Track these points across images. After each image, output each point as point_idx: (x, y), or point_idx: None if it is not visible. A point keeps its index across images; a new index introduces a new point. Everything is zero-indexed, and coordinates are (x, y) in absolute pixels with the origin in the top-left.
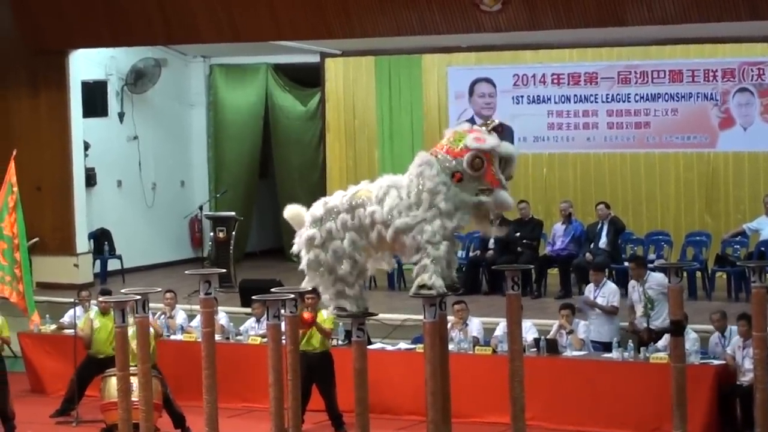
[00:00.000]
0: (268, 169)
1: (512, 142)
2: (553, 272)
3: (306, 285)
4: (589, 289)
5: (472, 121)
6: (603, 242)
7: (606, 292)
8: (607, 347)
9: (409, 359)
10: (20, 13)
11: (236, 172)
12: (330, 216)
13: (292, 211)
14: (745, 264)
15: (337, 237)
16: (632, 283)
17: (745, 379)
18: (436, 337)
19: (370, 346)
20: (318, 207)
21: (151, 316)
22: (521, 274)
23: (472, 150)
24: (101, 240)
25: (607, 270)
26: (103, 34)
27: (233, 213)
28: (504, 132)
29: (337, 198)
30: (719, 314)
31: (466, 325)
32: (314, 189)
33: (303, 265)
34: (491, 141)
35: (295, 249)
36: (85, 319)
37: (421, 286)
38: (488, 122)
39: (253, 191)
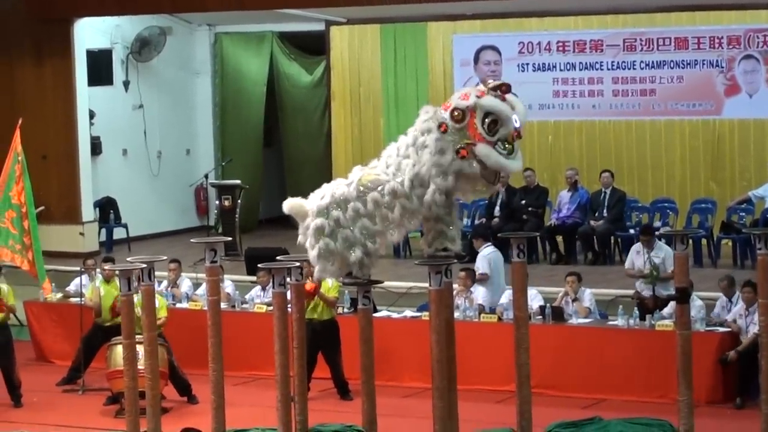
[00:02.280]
0: (274, 138)
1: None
2: (559, 240)
3: (318, 275)
4: (637, 249)
5: None
6: (605, 211)
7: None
8: None
9: (414, 327)
10: None
11: (242, 141)
12: (337, 205)
13: (292, 204)
14: (751, 231)
15: (345, 225)
16: (636, 247)
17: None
18: (441, 305)
19: (375, 314)
20: (322, 197)
21: (156, 285)
22: (527, 241)
23: (453, 105)
24: (107, 208)
25: (612, 237)
26: (108, 2)
27: (239, 181)
28: (509, 91)
29: (341, 186)
30: (727, 281)
31: (472, 292)
32: (320, 157)
33: (313, 256)
34: (473, 99)
35: (300, 240)
36: (92, 287)
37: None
38: (488, 82)
39: (259, 160)
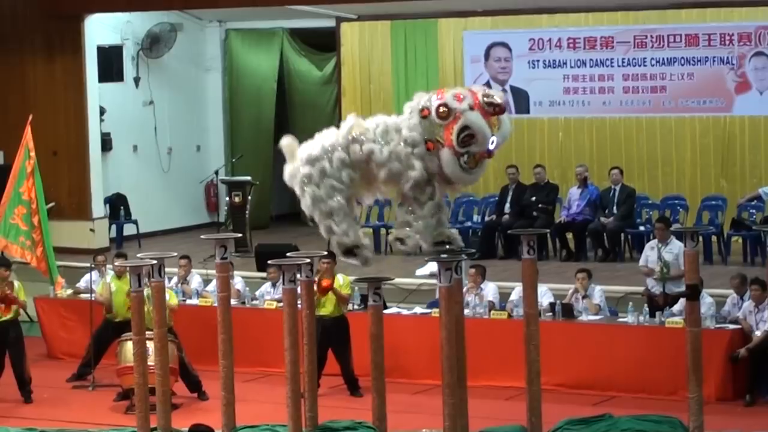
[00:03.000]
0: (284, 134)
1: (528, 107)
2: (569, 237)
3: (323, 231)
4: (652, 245)
5: (488, 85)
6: (615, 208)
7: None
8: None
9: (424, 324)
10: None
11: (252, 137)
12: (325, 154)
13: (289, 143)
14: (761, 228)
15: (331, 176)
16: (651, 243)
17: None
18: (451, 302)
19: (385, 311)
20: (314, 146)
21: (167, 281)
22: (537, 238)
23: (446, 101)
24: (117, 205)
25: (622, 234)
26: None
27: (249, 177)
28: (502, 113)
29: (331, 136)
30: (739, 278)
31: (482, 289)
32: None
33: (306, 204)
34: (466, 105)
35: (286, 178)
36: (103, 283)
37: (439, 243)
38: (490, 94)
39: (269, 156)
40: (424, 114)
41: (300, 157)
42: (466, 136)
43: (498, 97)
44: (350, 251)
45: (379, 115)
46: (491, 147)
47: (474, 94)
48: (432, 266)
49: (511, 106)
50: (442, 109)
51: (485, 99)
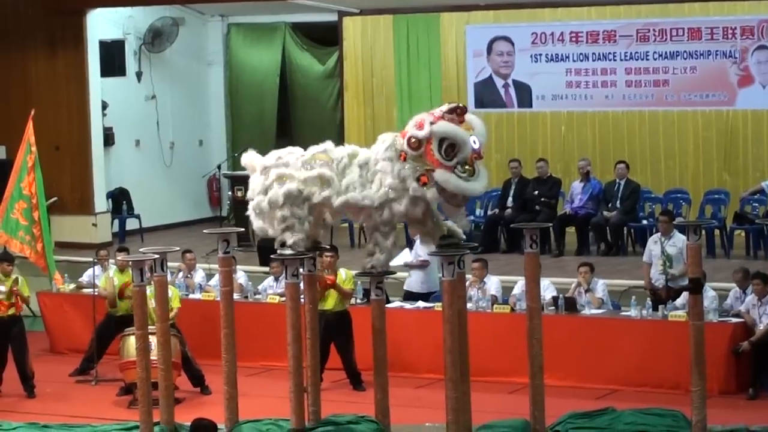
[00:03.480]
0: (286, 129)
1: (530, 101)
2: (572, 231)
3: (258, 231)
4: (655, 239)
5: (490, 79)
6: (619, 202)
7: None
8: None
9: (427, 318)
10: None
11: (254, 132)
12: (276, 168)
13: (249, 159)
14: (764, 222)
15: (273, 187)
16: (654, 237)
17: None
18: (454, 296)
19: (388, 305)
20: (269, 158)
21: (169, 275)
22: (539, 232)
23: (408, 133)
24: (119, 199)
25: (625, 228)
26: None
27: None
28: (464, 112)
29: (292, 154)
30: (742, 273)
31: (484, 283)
32: None
33: (250, 211)
34: (427, 128)
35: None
36: (105, 278)
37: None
38: (443, 108)
39: (271, 150)
40: (402, 158)
41: (258, 166)
42: (447, 147)
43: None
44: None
45: (351, 146)
46: (476, 146)
47: (432, 114)
48: (405, 256)
49: (513, 100)
50: (412, 140)
51: (443, 109)
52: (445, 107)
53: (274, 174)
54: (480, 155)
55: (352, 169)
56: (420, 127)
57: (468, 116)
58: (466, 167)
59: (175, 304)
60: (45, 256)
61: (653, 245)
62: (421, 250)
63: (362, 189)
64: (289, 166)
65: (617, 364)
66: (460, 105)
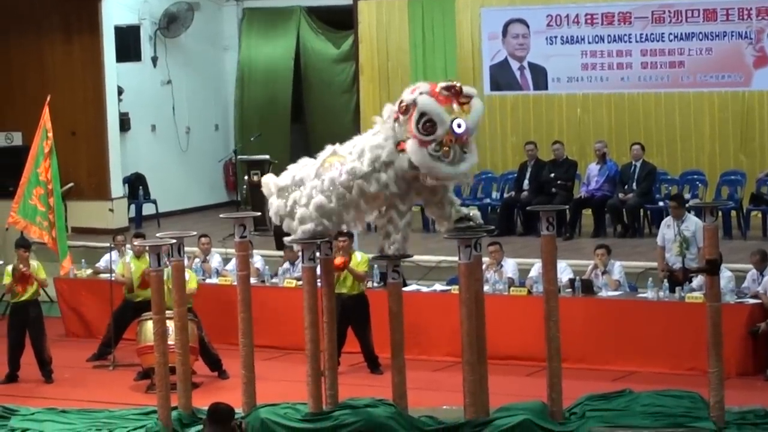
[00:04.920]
0: (301, 113)
1: (546, 83)
2: (588, 213)
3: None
4: (668, 222)
5: (505, 62)
6: (635, 184)
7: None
8: None
9: (444, 301)
10: None
11: (268, 116)
12: (296, 185)
13: (265, 182)
14: None
15: (302, 204)
16: (667, 220)
17: None
18: (471, 279)
19: (405, 288)
20: (284, 177)
21: (186, 259)
22: (556, 214)
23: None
24: (136, 184)
25: (642, 210)
26: None
27: (267, 156)
28: (459, 92)
29: (305, 168)
30: (759, 255)
31: (501, 266)
32: (346, 132)
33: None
34: (416, 94)
35: (269, 214)
36: (122, 263)
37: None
38: (448, 80)
39: (287, 135)
40: (395, 117)
41: (275, 187)
42: (426, 122)
43: (465, 88)
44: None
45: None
46: (458, 131)
47: (432, 85)
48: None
49: (529, 82)
50: (402, 104)
51: (442, 85)
52: (445, 83)
53: (293, 198)
54: (460, 139)
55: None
56: (413, 91)
57: (474, 101)
58: (442, 147)
59: (192, 285)
60: (57, 242)
61: (666, 229)
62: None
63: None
64: (304, 183)
65: (634, 346)
66: (457, 85)
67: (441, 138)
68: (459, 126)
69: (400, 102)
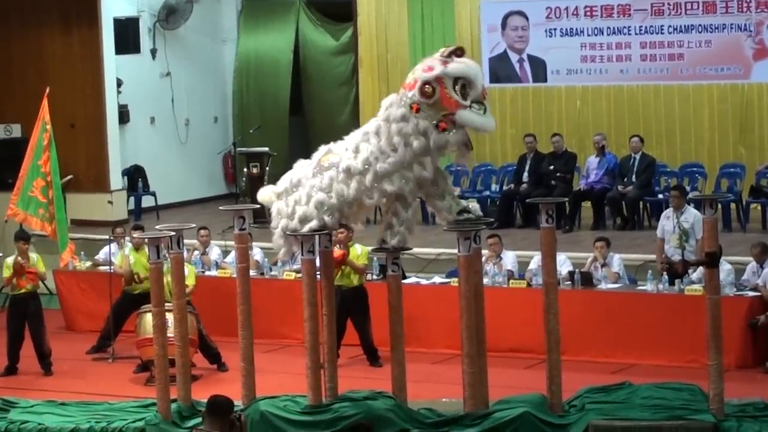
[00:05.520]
0: (300, 105)
1: (545, 75)
2: (587, 205)
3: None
4: (668, 214)
5: (504, 54)
6: (634, 176)
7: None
8: None
9: (443, 293)
10: None
11: (267, 109)
12: (294, 187)
13: (262, 195)
14: None
15: (302, 204)
16: (667, 212)
17: None
18: (470, 271)
19: (404, 281)
20: (281, 182)
21: (185, 252)
22: (555, 207)
23: (420, 80)
24: (135, 177)
25: (641, 202)
26: None
27: (267, 148)
28: (463, 54)
29: (301, 169)
30: (760, 247)
31: (501, 258)
32: (345, 124)
33: (274, 238)
34: (439, 67)
35: (273, 216)
36: (121, 255)
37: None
38: (445, 47)
39: (285, 127)
40: (416, 109)
41: (272, 197)
42: (462, 87)
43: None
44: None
45: (353, 132)
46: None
47: (434, 59)
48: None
49: (528, 75)
50: (426, 88)
51: (443, 54)
52: (443, 51)
53: (293, 199)
54: (485, 94)
55: (362, 146)
56: (430, 69)
57: (465, 59)
58: (480, 105)
59: (191, 282)
60: (57, 233)
61: (665, 220)
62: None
63: (386, 157)
64: (302, 184)
65: (634, 339)
66: (459, 47)
67: (477, 97)
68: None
69: (423, 86)
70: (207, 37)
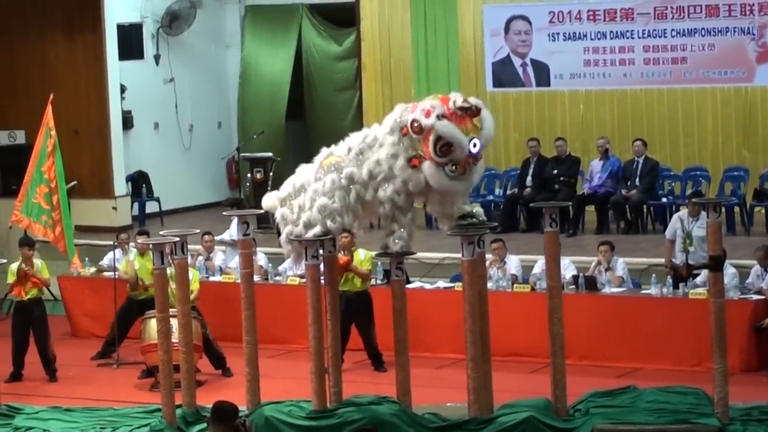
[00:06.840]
0: (303, 110)
1: (548, 80)
2: (591, 209)
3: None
4: (681, 217)
5: (507, 59)
6: (638, 180)
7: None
8: None
9: (447, 298)
10: None
11: (270, 114)
12: (297, 192)
13: (266, 201)
14: None
15: (305, 209)
16: (681, 214)
17: None
18: (474, 276)
19: (408, 285)
20: (284, 188)
21: (189, 258)
22: (559, 211)
23: (416, 114)
24: (139, 182)
25: (645, 206)
26: None
27: (270, 154)
28: (479, 114)
29: (303, 174)
30: (763, 251)
31: (504, 263)
32: (349, 130)
33: (282, 242)
34: (432, 119)
35: (278, 222)
36: (126, 261)
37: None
38: (457, 102)
39: (288, 132)
40: (404, 132)
41: (276, 203)
42: (443, 146)
43: (471, 100)
44: None
45: (354, 134)
46: (474, 150)
47: (445, 103)
48: (232, 229)
49: (531, 79)
50: (415, 124)
51: (456, 104)
52: (460, 100)
53: (297, 205)
54: (476, 159)
55: (365, 154)
56: (428, 114)
57: (483, 113)
58: (456, 167)
59: (195, 287)
60: (64, 239)
61: (678, 223)
62: (234, 231)
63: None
64: (305, 189)
65: (638, 343)
66: (475, 107)
67: (458, 160)
68: (474, 146)
69: (414, 122)
70: (210, 43)
